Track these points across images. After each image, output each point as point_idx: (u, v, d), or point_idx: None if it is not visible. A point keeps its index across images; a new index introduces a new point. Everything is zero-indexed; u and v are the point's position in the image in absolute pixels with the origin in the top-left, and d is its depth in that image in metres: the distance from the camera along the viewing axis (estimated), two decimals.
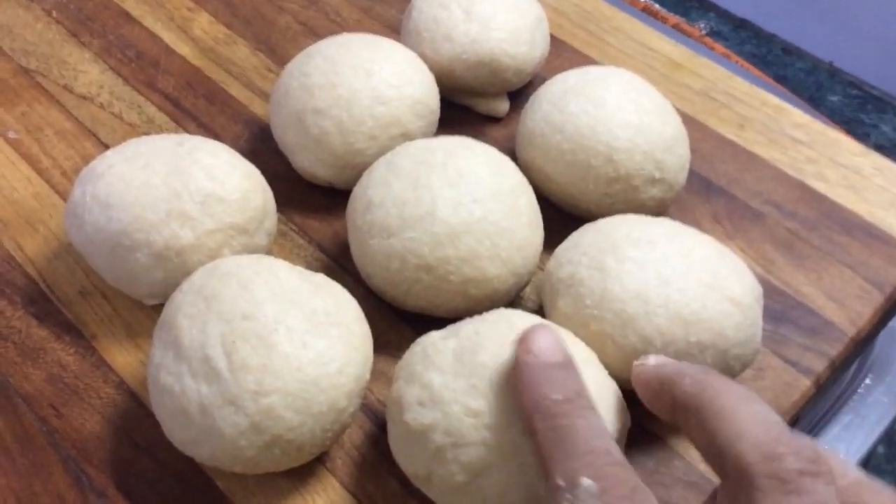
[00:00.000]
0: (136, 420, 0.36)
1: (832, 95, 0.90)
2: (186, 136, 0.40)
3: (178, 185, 0.37)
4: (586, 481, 0.26)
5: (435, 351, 0.32)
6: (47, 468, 0.35)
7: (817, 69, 0.92)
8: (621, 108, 0.41)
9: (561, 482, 0.27)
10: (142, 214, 0.36)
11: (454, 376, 0.31)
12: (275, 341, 0.32)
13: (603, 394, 0.32)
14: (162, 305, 0.38)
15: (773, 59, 0.93)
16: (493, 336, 0.32)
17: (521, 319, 0.33)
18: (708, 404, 0.27)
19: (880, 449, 0.48)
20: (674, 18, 0.75)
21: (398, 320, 0.40)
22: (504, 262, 0.37)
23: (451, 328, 0.34)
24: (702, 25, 0.86)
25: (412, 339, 0.39)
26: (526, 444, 0.30)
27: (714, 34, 0.95)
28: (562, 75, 0.44)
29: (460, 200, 0.37)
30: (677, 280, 0.35)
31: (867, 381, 0.50)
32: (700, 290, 0.34)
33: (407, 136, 0.43)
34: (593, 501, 0.26)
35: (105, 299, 0.40)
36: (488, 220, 0.37)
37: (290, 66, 0.45)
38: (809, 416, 0.48)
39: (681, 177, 0.42)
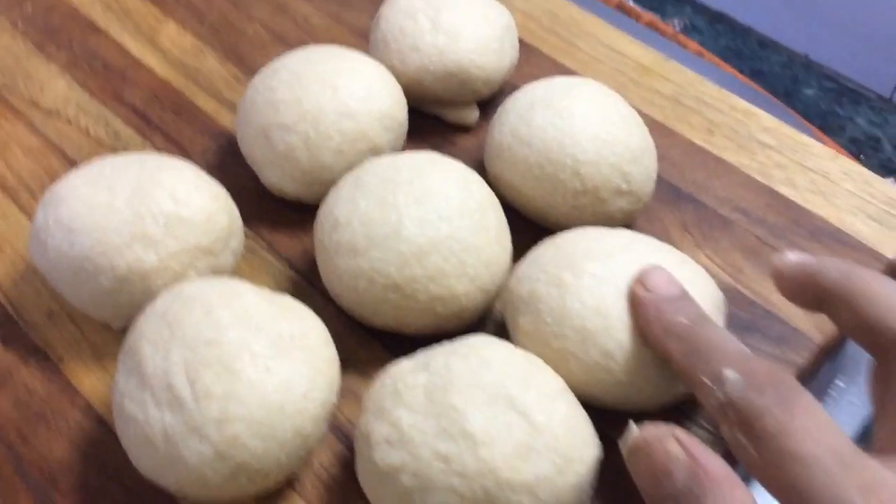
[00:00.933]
0: (103, 445, 0.36)
1: (808, 88, 0.91)
2: (150, 155, 0.40)
3: (142, 208, 0.37)
4: (731, 373, 0.28)
5: (405, 387, 0.32)
6: (14, 496, 0.35)
7: (793, 62, 0.93)
8: (588, 120, 0.41)
9: (707, 380, 0.29)
10: (104, 238, 0.36)
11: (424, 417, 0.31)
12: (238, 368, 0.32)
13: (577, 427, 0.32)
14: (128, 328, 0.38)
15: (749, 53, 0.93)
16: (465, 374, 0.32)
17: (492, 352, 0.33)
18: (856, 288, 0.31)
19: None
20: (648, 16, 0.75)
21: (368, 337, 0.40)
22: (472, 279, 0.37)
23: (421, 358, 0.34)
24: (676, 22, 0.86)
25: (382, 357, 0.39)
26: (498, 494, 0.30)
27: (690, 29, 0.95)
28: (529, 86, 0.44)
29: (426, 218, 0.37)
30: None
31: (838, 382, 0.50)
32: None
33: (375, 150, 0.43)
34: (740, 390, 0.28)
35: (72, 322, 0.40)
36: (455, 237, 0.37)
37: (255, 80, 0.44)
38: None
39: (648, 188, 0.43)
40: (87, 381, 0.38)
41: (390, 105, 0.43)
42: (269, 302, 0.35)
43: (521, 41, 0.53)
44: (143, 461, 0.32)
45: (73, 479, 0.35)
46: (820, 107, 0.89)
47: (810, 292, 0.33)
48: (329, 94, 0.42)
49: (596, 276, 0.35)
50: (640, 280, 0.34)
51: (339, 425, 0.37)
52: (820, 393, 0.50)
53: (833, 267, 0.32)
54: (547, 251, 0.37)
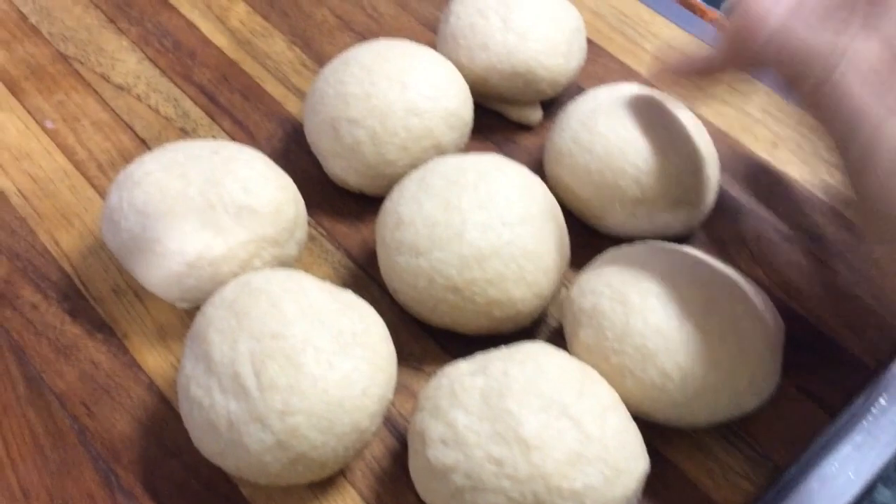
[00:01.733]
0: (164, 422, 0.38)
1: None
2: (223, 143, 0.41)
3: (213, 196, 0.38)
4: None
5: (462, 388, 0.33)
6: (78, 466, 0.36)
7: None
8: (650, 129, 0.41)
9: None
10: (176, 224, 0.37)
11: (479, 419, 0.32)
12: (302, 362, 0.33)
13: (627, 440, 0.32)
14: (192, 309, 0.39)
15: None
16: (521, 380, 0.32)
17: (549, 360, 0.34)
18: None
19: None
20: (713, 13, 0.74)
21: (423, 333, 0.41)
22: (529, 286, 0.38)
23: (479, 361, 0.34)
24: None
25: (436, 353, 0.40)
26: (546, 499, 0.30)
27: None
28: (593, 91, 0.44)
29: (490, 223, 0.37)
30: (698, 317, 0.35)
31: (882, 401, 0.50)
32: (721, 328, 0.35)
33: (439, 148, 0.43)
34: None
35: (138, 298, 0.41)
36: (516, 243, 0.37)
37: (326, 70, 0.45)
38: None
39: (708, 200, 0.43)
40: (151, 358, 0.40)
41: (457, 104, 0.43)
42: (333, 297, 0.36)
43: (588, 40, 0.52)
44: (206, 444, 0.34)
45: (135, 454, 0.37)
46: None
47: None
48: (398, 91, 0.42)
49: (660, 297, 0.35)
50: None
51: (391, 418, 0.38)
52: (863, 410, 0.50)
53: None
54: (612, 264, 0.38)
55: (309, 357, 0.33)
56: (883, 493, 0.57)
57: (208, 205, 0.37)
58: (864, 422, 0.49)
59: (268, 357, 0.33)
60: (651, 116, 0.42)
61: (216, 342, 0.34)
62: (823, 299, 0.43)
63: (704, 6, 0.74)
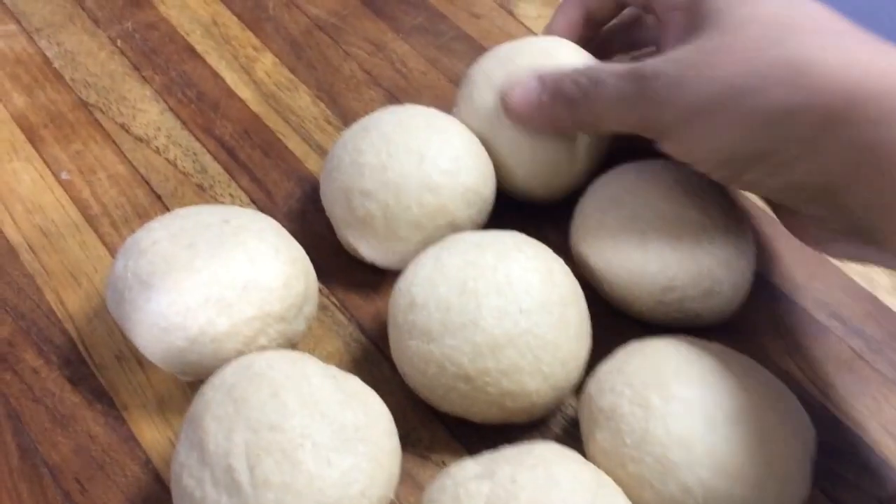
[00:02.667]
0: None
1: None
2: (237, 210, 0.39)
3: (220, 270, 0.36)
4: None
5: (466, 494, 0.31)
6: None
7: None
8: (683, 213, 0.39)
9: None
10: (179, 298, 0.36)
11: None
12: (299, 458, 0.31)
13: None
14: (194, 382, 0.37)
15: None
16: (530, 489, 0.30)
17: (561, 467, 0.31)
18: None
19: None
20: None
21: (433, 417, 0.39)
22: (545, 377, 0.36)
23: (486, 463, 0.32)
24: None
25: (445, 440, 0.38)
26: None
27: None
28: (622, 169, 0.42)
29: (506, 310, 0.36)
30: (725, 427, 0.33)
31: None
32: (747, 440, 0.33)
33: (454, 225, 0.41)
34: None
35: (140, 367, 0.40)
36: (533, 332, 0.36)
37: (345, 135, 0.43)
38: None
39: (741, 292, 0.40)
40: (149, 433, 0.38)
41: (476, 180, 0.42)
42: (336, 386, 0.34)
43: None
44: None
45: None
46: None
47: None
48: (415, 164, 0.40)
49: (685, 403, 0.33)
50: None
51: None
52: None
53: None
54: (633, 360, 0.36)
55: (307, 453, 0.31)
56: None
57: (214, 278, 0.36)
58: None
59: (263, 451, 0.31)
60: (687, 198, 0.40)
61: (212, 430, 0.32)
62: (861, 399, 0.40)
63: None
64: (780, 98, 0.31)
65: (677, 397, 0.33)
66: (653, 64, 0.35)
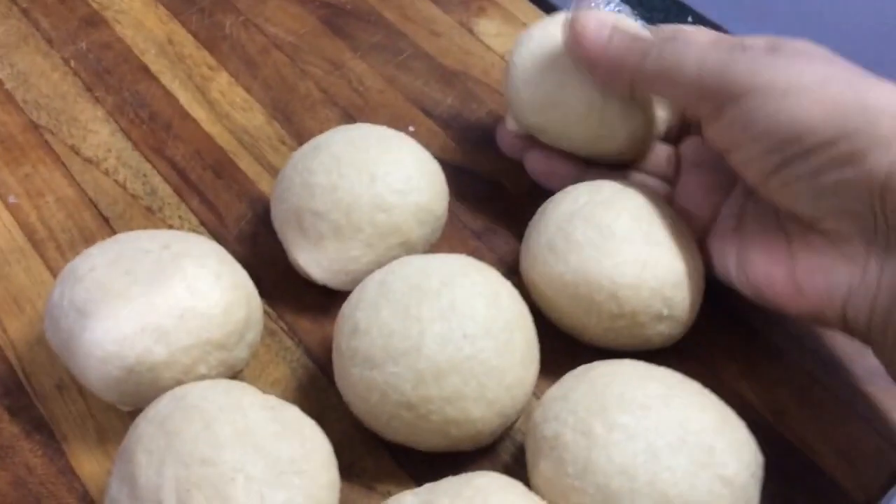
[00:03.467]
0: None
1: None
2: (176, 234, 0.39)
3: (157, 298, 0.35)
4: None
5: None
6: None
7: None
8: (629, 239, 0.39)
9: None
10: (115, 327, 0.35)
11: None
12: (230, 494, 0.30)
13: None
14: (135, 411, 0.37)
15: None
16: None
17: (499, 500, 0.31)
18: None
19: None
20: None
21: (377, 445, 0.38)
22: (490, 404, 0.35)
23: (424, 494, 0.32)
24: None
25: (391, 469, 0.38)
26: None
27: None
28: (573, 190, 0.42)
29: (450, 336, 0.35)
30: (667, 455, 0.32)
31: None
32: (691, 467, 0.32)
33: (407, 245, 0.41)
34: None
35: (80, 396, 0.39)
36: (478, 358, 0.35)
37: (296, 155, 0.43)
38: None
39: (692, 314, 0.40)
40: (88, 465, 0.37)
41: (429, 199, 0.41)
42: (274, 416, 0.33)
43: None
44: None
45: None
46: None
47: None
48: (366, 184, 0.40)
49: (627, 431, 0.32)
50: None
51: None
52: None
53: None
54: (579, 386, 0.35)
55: (238, 488, 0.30)
56: None
57: (151, 306, 0.35)
58: None
59: (194, 486, 0.30)
60: (634, 222, 0.39)
61: (143, 464, 0.31)
62: (815, 423, 0.40)
63: None
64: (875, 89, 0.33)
65: (619, 425, 0.33)
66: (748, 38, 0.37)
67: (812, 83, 0.34)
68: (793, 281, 0.36)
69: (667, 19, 0.77)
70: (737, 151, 0.36)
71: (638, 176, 0.45)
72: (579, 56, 0.40)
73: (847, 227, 0.34)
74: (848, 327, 0.36)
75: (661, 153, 0.45)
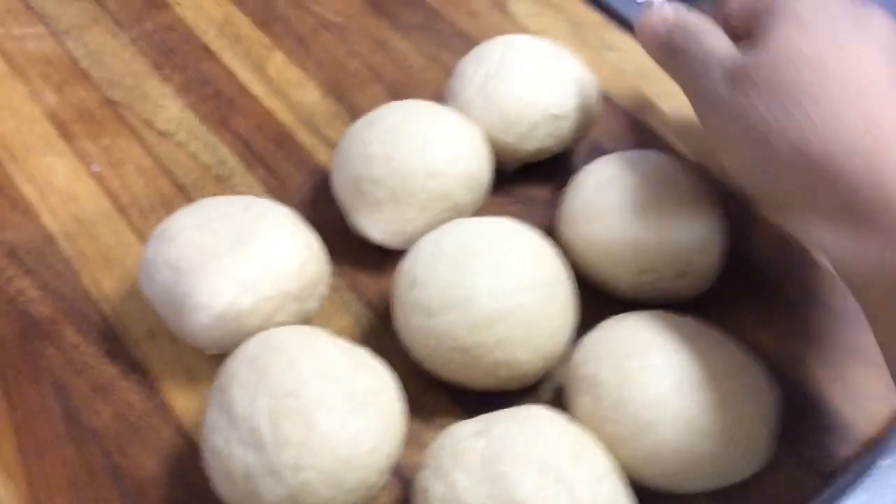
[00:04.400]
0: (190, 464, 0.40)
1: None
2: (254, 200, 0.43)
3: (241, 254, 0.40)
4: None
5: (463, 450, 0.35)
6: (108, 502, 0.39)
7: None
8: (661, 202, 0.43)
9: None
10: (205, 281, 0.40)
11: (479, 481, 0.34)
12: (315, 421, 0.35)
13: None
14: (220, 355, 0.41)
15: None
16: (519, 444, 0.35)
17: (549, 425, 0.36)
18: None
19: None
20: None
21: (435, 386, 0.43)
22: (536, 349, 0.40)
23: (483, 422, 0.37)
24: None
25: (447, 406, 0.43)
26: None
27: None
28: (606, 159, 0.46)
29: (499, 288, 0.40)
30: (692, 391, 0.37)
31: (881, 462, 0.51)
32: (715, 401, 0.37)
33: (456, 208, 0.46)
34: None
35: (170, 342, 0.44)
36: (524, 308, 0.40)
37: (353, 130, 0.47)
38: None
39: (713, 272, 0.44)
40: (181, 401, 0.42)
41: (475, 168, 0.46)
42: (348, 355, 0.38)
43: (605, 97, 0.54)
44: (225, 491, 0.36)
45: (162, 493, 0.40)
46: None
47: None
48: (419, 154, 0.45)
49: (657, 370, 0.37)
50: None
51: (399, 471, 0.40)
52: (860, 474, 0.51)
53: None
54: (613, 333, 0.40)
55: (321, 416, 0.35)
56: None
57: (236, 262, 0.40)
58: (865, 483, 0.51)
59: (283, 414, 0.35)
60: (664, 189, 0.44)
61: (238, 397, 0.36)
62: (826, 367, 0.44)
63: None
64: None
65: (650, 365, 0.37)
66: (751, 64, 0.37)
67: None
68: None
69: None
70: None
71: None
72: (640, 41, 0.45)
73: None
74: None
75: None
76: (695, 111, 0.41)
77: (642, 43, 0.44)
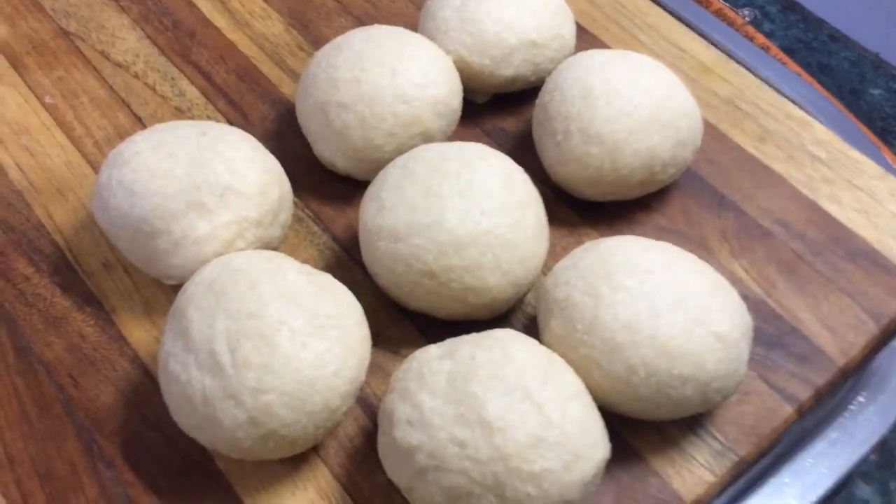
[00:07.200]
0: (146, 395, 0.39)
1: (874, 89, 0.89)
2: (211, 124, 0.42)
3: (199, 177, 0.39)
4: None
5: (430, 372, 0.34)
6: (62, 435, 0.38)
7: (863, 60, 0.91)
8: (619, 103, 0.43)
9: None
10: (162, 204, 0.38)
11: (444, 402, 0.33)
12: (277, 341, 0.34)
13: (588, 427, 0.33)
14: (179, 285, 0.40)
15: (819, 46, 0.92)
16: (487, 365, 0.33)
17: (516, 347, 0.34)
18: None
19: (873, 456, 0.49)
20: (718, 2, 0.74)
21: (401, 316, 0.42)
22: (505, 274, 0.39)
23: (448, 345, 0.35)
24: (746, 13, 0.85)
25: (412, 336, 0.41)
26: (506, 481, 0.32)
27: (761, 17, 0.93)
28: (585, 56, 0.46)
29: (468, 212, 0.38)
30: (666, 313, 0.36)
31: (860, 398, 0.51)
32: (687, 324, 0.36)
33: (426, 135, 0.44)
34: None
35: (126, 274, 0.43)
36: (494, 232, 0.38)
37: (318, 55, 0.46)
38: (794, 429, 0.49)
39: (682, 168, 0.45)
40: (136, 332, 0.41)
41: (446, 93, 0.44)
42: (311, 280, 0.37)
43: (582, 29, 0.53)
44: (182, 417, 0.35)
45: (116, 424, 0.38)
46: (884, 109, 0.87)
47: None
48: (388, 78, 0.43)
49: (631, 292, 0.36)
50: None
51: (365, 398, 0.39)
52: (839, 408, 0.51)
53: None
54: (587, 256, 0.38)
55: (283, 337, 0.34)
56: (864, 490, 0.57)
57: (194, 185, 0.38)
58: (841, 418, 0.50)
59: (243, 336, 0.34)
60: (626, 88, 0.43)
61: (195, 320, 0.35)
62: (801, 296, 0.44)
63: None
64: None
65: (624, 287, 0.36)
66: None
67: None
68: None
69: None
70: None
71: None
72: None
73: None
74: None
75: None
76: None
77: None
